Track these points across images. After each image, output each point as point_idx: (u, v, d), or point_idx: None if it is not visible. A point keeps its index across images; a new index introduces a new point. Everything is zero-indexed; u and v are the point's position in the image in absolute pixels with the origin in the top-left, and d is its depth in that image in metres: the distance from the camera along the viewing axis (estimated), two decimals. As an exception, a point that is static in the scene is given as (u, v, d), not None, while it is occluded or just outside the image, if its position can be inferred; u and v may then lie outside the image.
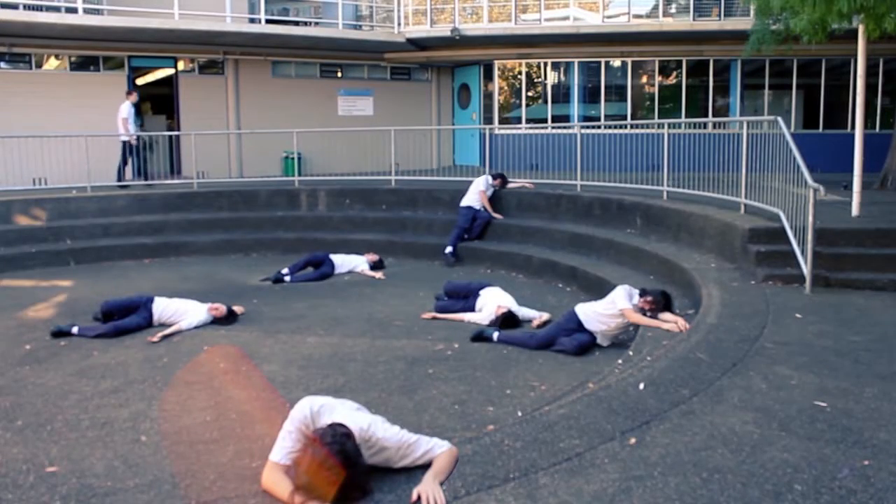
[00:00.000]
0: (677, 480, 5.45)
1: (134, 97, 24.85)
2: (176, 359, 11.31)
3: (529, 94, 32.32)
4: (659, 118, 29.49)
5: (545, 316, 13.53)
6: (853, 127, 16.07)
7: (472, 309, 13.93)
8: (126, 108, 24.43)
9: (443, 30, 29.56)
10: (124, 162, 24.72)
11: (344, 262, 18.71)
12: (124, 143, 24.57)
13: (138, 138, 24.74)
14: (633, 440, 6.17)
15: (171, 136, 27.49)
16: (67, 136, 22.95)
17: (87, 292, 16.38)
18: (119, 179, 24.59)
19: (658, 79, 31.41)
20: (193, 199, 23.11)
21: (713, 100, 31.24)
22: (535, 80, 32.64)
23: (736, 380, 7.65)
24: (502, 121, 31.81)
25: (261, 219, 22.65)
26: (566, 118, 31.11)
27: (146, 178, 25.00)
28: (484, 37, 29.83)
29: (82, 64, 27.80)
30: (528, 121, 31.60)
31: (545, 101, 32.27)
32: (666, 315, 11.17)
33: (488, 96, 32.49)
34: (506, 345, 11.96)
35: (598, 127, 25.18)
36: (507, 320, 12.98)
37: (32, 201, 21.37)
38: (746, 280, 12.38)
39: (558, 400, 8.63)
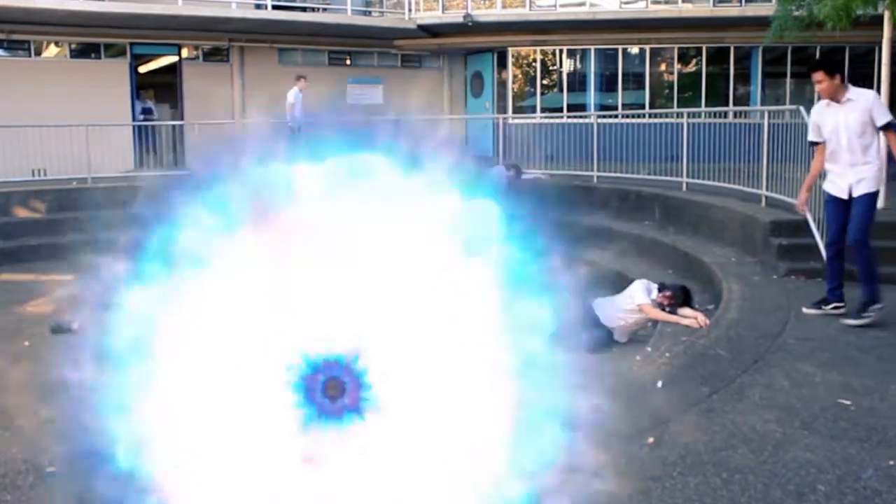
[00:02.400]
0: (697, 481, 5.45)
1: (303, 83, 24.85)
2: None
3: (544, 82, 32.28)
4: (678, 107, 29.40)
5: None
6: (878, 116, 16.01)
7: None
8: (293, 94, 24.51)
9: (455, 16, 29.50)
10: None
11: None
12: (292, 128, 24.77)
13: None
14: (650, 439, 6.16)
15: (174, 126, 27.45)
16: (67, 125, 22.88)
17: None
18: None
19: (677, 66, 31.35)
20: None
21: (734, 88, 31.15)
22: (551, 68, 32.58)
23: (757, 377, 7.64)
24: (516, 110, 31.72)
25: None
26: (582, 107, 31.01)
27: None
28: (497, 23, 29.77)
29: (83, 51, 27.81)
30: (542, 110, 31.47)
31: (560, 90, 32.14)
32: (685, 310, 11.14)
33: (502, 84, 32.40)
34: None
35: (616, 116, 25.16)
36: None
37: (32, 193, 21.36)
38: (768, 274, 12.36)
39: (574, 398, 8.62)
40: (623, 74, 31.11)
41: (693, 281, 13.22)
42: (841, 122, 9.97)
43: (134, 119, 27.60)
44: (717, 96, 30.92)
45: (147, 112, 28.12)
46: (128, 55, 28.31)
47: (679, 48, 31.09)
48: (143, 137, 25.92)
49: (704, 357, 8.20)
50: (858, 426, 6.45)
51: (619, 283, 14.08)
